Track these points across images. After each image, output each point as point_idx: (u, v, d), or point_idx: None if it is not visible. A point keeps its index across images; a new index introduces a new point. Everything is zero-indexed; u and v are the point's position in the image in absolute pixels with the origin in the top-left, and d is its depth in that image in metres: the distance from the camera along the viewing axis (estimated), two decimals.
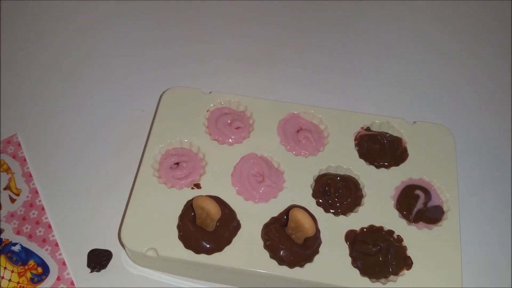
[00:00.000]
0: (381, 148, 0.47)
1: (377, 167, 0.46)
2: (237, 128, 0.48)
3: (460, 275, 0.40)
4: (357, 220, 0.43)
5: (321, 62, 0.59)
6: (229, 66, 0.58)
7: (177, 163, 0.45)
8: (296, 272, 0.40)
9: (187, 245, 0.40)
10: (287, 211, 0.42)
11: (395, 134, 0.48)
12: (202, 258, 0.40)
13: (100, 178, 0.48)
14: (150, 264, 0.43)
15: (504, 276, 0.45)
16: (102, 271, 0.43)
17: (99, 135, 0.52)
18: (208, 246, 0.40)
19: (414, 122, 0.49)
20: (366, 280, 0.40)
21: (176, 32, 0.61)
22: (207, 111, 0.48)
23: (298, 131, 0.48)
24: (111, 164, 0.49)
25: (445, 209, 0.44)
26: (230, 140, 0.47)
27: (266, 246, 0.41)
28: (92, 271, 0.43)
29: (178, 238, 0.41)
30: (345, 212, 0.43)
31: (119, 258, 0.44)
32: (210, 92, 0.49)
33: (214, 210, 0.38)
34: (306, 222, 0.37)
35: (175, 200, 0.43)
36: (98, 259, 0.43)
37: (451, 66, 0.60)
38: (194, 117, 0.48)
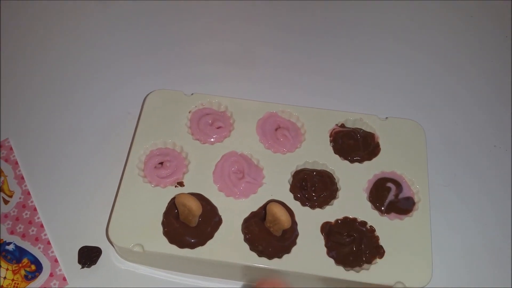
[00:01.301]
0: (354, 144, 0.49)
1: (351, 161, 0.48)
2: (218, 127, 0.50)
3: (431, 263, 0.43)
4: (332, 212, 0.45)
5: (299, 63, 0.62)
6: (211, 68, 0.60)
7: (161, 163, 0.48)
8: (275, 263, 0.42)
9: (171, 240, 0.43)
10: (266, 206, 0.44)
11: (368, 130, 0.51)
12: (186, 252, 0.42)
13: (89, 179, 0.51)
14: (137, 259, 0.45)
15: (475, 263, 0.48)
16: (93, 266, 0.45)
17: (87, 138, 0.54)
18: (191, 240, 0.42)
19: (386, 118, 0.51)
20: (340, 269, 0.42)
21: (160, 35, 0.63)
22: (189, 112, 0.51)
23: (276, 129, 0.50)
24: (99, 165, 0.51)
25: (416, 200, 0.47)
26: (211, 139, 0.49)
27: (246, 239, 0.43)
28: (83, 267, 0.45)
29: (163, 234, 0.43)
30: (321, 205, 0.46)
31: (108, 254, 0.46)
32: (192, 94, 0.52)
33: (195, 207, 0.41)
34: (282, 215, 0.40)
35: (160, 198, 0.45)
36: (88, 256, 0.45)
37: (422, 64, 0.63)
38: (176, 118, 0.50)
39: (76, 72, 0.59)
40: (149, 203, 0.45)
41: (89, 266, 0.45)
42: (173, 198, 0.44)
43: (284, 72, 0.60)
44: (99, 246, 0.46)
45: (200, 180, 0.46)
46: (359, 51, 0.63)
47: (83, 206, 0.49)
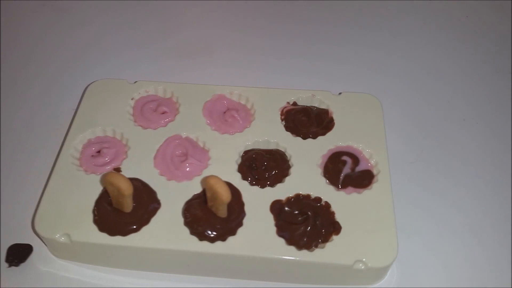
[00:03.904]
0: (307, 120, 0.46)
1: (304, 137, 0.45)
2: (163, 113, 0.47)
3: (395, 238, 0.38)
4: (284, 190, 0.41)
5: (247, 43, 0.60)
6: (155, 56, 0.58)
7: (99, 151, 0.44)
8: (218, 247, 0.37)
9: (102, 228, 0.38)
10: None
11: (322, 107, 0.48)
12: (117, 240, 0.38)
13: (19, 173, 0.47)
14: (69, 254, 0.40)
15: (445, 245, 0.42)
16: (22, 266, 0.40)
17: (21, 133, 0.50)
18: (123, 227, 0.38)
19: (340, 93, 0.48)
20: (292, 249, 0.38)
21: (104, 24, 0.62)
22: (132, 99, 0.48)
23: (225, 112, 0.47)
24: (31, 159, 0.48)
25: (375, 172, 0.43)
26: (154, 124, 0.46)
27: (186, 223, 0.39)
28: (10, 266, 0.40)
29: (93, 222, 0.39)
30: (272, 184, 0.42)
31: (40, 252, 0.41)
32: (135, 82, 0.49)
33: (123, 185, 0.36)
34: (220, 187, 0.36)
35: (93, 186, 0.41)
36: (18, 254, 0.40)
37: (379, 37, 0.61)
38: (119, 106, 0.47)
39: (19, 66, 0.57)
40: (81, 191, 0.41)
41: (17, 265, 0.40)
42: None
43: (232, 53, 0.58)
44: (31, 244, 0.42)
45: (140, 165, 0.43)
46: (311, 28, 0.61)
47: (11, 201, 0.45)
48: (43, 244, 0.41)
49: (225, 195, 0.36)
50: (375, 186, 0.41)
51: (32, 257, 0.41)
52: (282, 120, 0.46)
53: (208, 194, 0.38)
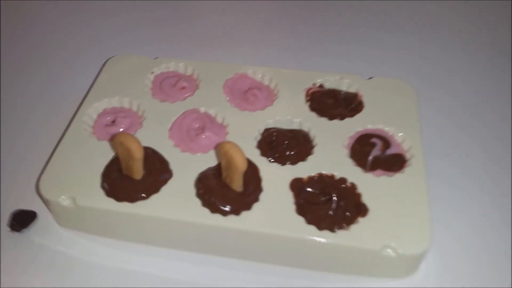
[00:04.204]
0: (334, 102, 0.43)
1: (330, 119, 0.42)
2: (182, 88, 0.45)
3: (429, 224, 0.34)
4: (306, 169, 0.38)
5: (275, 24, 0.58)
6: (178, 36, 0.57)
7: (114, 121, 0.42)
8: (230, 220, 0.34)
9: (109, 193, 0.36)
10: None
11: (350, 90, 0.45)
12: (124, 206, 0.35)
13: (30, 139, 0.45)
14: (74, 223, 0.38)
15: (479, 239, 0.38)
16: (24, 231, 0.38)
17: (36, 104, 0.49)
18: (131, 194, 0.35)
19: (370, 77, 0.45)
20: (312, 229, 0.34)
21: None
22: (152, 73, 0.46)
23: (246, 91, 0.45)
24: (44, 127, 0.46)
25: (407, 157, 0.39)
26: (172, 98, 0.44)
27: (198, 194, 0.36)
28: (12, 230, 0.38)
29: (100, 187, 0.36)
30: (293, 163, 0.39)
31: (45, 219, 0.39)
32: (157, 58, 0.48)
33: (134, 146, 0.34)
34: (235, 152, 0.33)
35: (104, 152, 0.39)
36: (21, 219, 0.38)
37: (416, 24, 0.58)
38: (138, 79, 0.45)
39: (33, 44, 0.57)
40: (91, 156, 0.38)
41: (19, 230, 0.38)
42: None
43: (258, 34, 0.57)
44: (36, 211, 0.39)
45: (154, 135, 0.40)
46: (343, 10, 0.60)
47: (20, 167, 0.43)
48: (49, 212, 0.39)
49: (240, 162, 0.33)
50: (407, 170, 0.37)
51: (36, 225, 0.39)
52: (307, 101, 0.43)
53: (223, 162, 0.35)
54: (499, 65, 0.54)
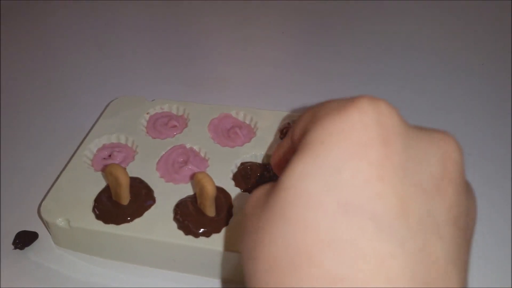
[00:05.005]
0: None
1: None
2: (173, 126, 0.51)
3: None
4: None
5: (263, 59, 0.66)
6: (175, 78, 0.65)
7: (111, 155, 0.48)
8: (201, 241, 0.39)
9: (98, 216, 0.41)
10: None
11: None
12: (110, 228, 0.40)
13: (35, 172, 0.52)
14: (69, 242, 0.43)
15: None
16: (26, 249, 0.43)
17: (41, 142, 0.56)
18: (118, 217, 0.40)
19: None
20: None
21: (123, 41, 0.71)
22: (147, 113, 0.53)
23: (229, 129, 0.51)
24: (49, 159, 0.53)
25: None
26: (163, 136, 0.50)
27: (175, 218, 0.41)
28: (15, 248, 0.43)
29: (92, 210, 0.42)
30: None
31: (43, 240, 0.44)
32: (153, 100, 0.54)
33: (121, 175, 0.40)
34: (206, 181, 0.38)
35: (99, 182, 0.44)
36: (24, 238, 0.44)
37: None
38: (134, 119, 0.52)
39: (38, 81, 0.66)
40: (87, 185, 0.44)
41: (21, 248, 0.43)
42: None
43: (249, 76, 0.64)
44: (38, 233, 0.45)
45: (143, 167, 0.46)
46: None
47: (25, 193, 0.49)
48: (48, 234, 0.45)
49: (210, 189, 0.38)
50: None
51: (36, 243, 0.44)
52: (280, 138, 0.49)
53: (197, 190, 0.40)
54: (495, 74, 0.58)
